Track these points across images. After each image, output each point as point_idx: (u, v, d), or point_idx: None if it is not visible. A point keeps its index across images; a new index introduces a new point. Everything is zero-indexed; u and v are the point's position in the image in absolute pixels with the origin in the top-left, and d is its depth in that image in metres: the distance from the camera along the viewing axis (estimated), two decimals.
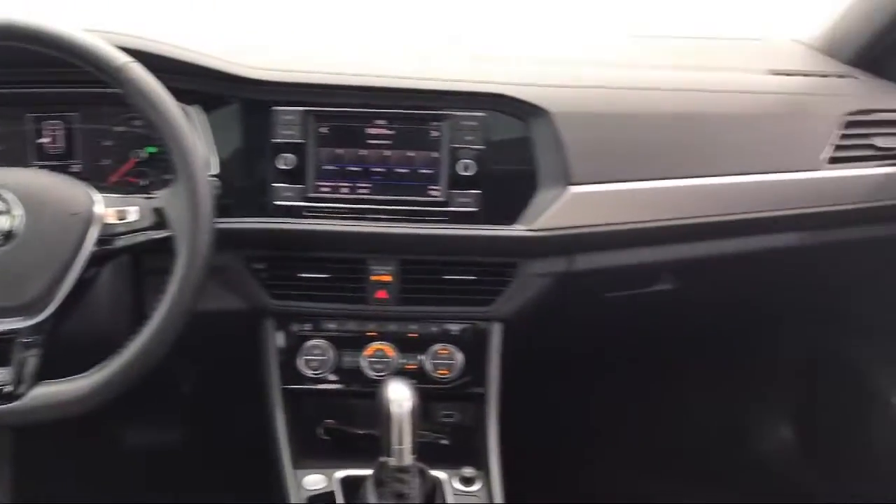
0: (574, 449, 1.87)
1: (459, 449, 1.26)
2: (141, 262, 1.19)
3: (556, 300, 1.26)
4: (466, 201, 1.18)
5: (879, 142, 1.35)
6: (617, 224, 1.22)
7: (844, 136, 1.32)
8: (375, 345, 1.24)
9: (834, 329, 1.76)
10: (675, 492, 1.82)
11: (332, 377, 1.23)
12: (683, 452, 1.91)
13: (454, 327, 1.25)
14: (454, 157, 1.18)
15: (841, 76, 1.46)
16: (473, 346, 1.25)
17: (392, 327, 1.24)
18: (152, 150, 1.21)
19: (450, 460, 1.21)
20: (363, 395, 1.20)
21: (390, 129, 1.18)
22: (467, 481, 1.18)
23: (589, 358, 1.78)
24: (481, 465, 1.21)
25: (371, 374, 1.23)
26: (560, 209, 1.18)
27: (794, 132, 1.33)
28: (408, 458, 1.03)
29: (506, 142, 1.21)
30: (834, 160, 1.32)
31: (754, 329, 1.81)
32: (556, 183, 1.19)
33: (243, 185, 1.19)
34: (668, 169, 1.24)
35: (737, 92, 1.34)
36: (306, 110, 1.17)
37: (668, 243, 1.28)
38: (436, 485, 1.14)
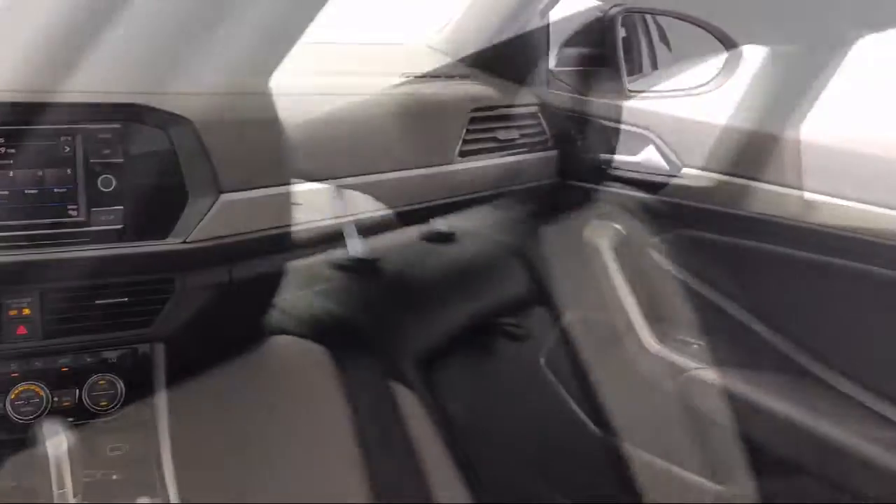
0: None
1: (133, 481, 1.18)
2: None
3: (222, 311, 1.24)
4: (109, 219, 1.10)
5: (500, 134, 1.53)
6: (272, 228, 1.22)
7: (470, 131, 1.47)
8: (21, 386, 1.11)
9: (489, 306, 1.94)
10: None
11: None
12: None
13: (112, 354, 1.17)
14: (91, 172, 1.09)
15: (465, 77, 1.62)
16: (135, 371, 1.18)
17: (39, 364, 1.13)
18: None
19: (124, 494, 1.14)
20: (13, 443, 1.08)
21: (12, 147, 1.06)
22: None
23: None
24: (158, 492, 1.16)
25: (18, 418, 1.10)
26: (213, 218, 1.15)
27: (431, 130, 1.45)
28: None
29: (149, 154, 1.14)
30: (464, 153, 1.46)
31: (426, 311, 1.93)
32: (207, 192, 1.15)
33: None
34: (319, 171, 1.27)
35: (378, 95, 1.42)
36: None
37: (327, 243, 1.32)
38: None
